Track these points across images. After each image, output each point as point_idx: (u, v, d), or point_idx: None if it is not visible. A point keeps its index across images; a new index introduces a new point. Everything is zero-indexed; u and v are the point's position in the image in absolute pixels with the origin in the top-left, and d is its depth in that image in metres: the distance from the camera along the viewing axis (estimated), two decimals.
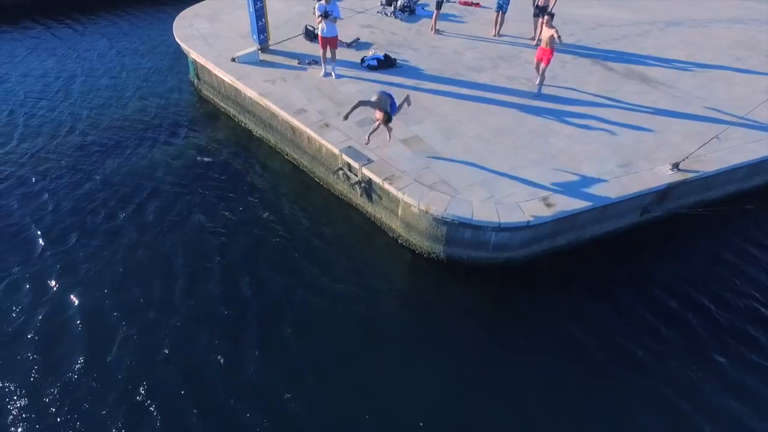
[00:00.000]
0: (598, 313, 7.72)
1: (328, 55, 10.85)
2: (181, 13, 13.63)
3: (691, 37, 14.58)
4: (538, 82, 10.94)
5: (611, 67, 12.44)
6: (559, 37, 9.99)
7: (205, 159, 10.43)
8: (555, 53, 10.68)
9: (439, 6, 13.24)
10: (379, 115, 8.20)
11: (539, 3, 12.86)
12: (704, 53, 13.53)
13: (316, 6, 10.25)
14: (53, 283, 7.57)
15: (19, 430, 5.89)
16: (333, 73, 11.00)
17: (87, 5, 17.69)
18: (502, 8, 13.23)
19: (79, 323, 7.03)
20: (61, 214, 8.84)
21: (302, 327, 7.17)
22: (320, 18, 10.17)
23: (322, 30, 10.35)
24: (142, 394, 6.25)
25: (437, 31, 13.58)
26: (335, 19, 10.34)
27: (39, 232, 8.42)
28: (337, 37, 10.72)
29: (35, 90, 12.57)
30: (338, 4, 14.61)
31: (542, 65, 10.61)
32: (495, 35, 13.61)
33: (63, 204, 9.06)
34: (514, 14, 14.91)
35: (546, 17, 10.39)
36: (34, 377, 6.38)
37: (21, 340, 6.78)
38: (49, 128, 11.12)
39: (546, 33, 10.26)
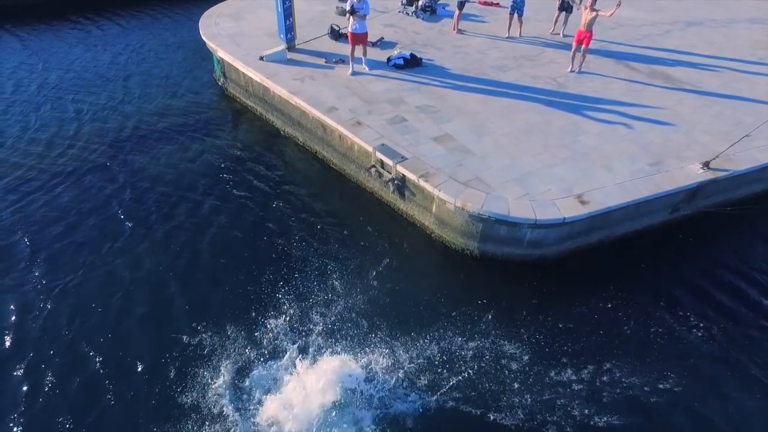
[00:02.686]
0: (629, 309, 7.77)
1: (359, 52, 10.99)
2: (206, 12, 13.76)
3: (712, 37, 14.64)
4: (578, 63, 11.72)
5: (634, 66, 12.51)
6: (617, 8, 10.57)
7: (233, 157, 10.53)
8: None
9: (461, 6, 13.31)
10: None
11: None
12: (725, 53, 13.59)
13: (347, 2, 10.37)
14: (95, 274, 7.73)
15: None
16: (365, 66, 11.22)
17: (104, 3, 17.87)
18: (517, 11, 13.10)
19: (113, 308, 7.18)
20: (90, 211, 8.93)
21: (333, 322, 7.24)
22: (349, 15, 10.29)
23: (353, 27, 10.49)
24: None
25: (459, 31, 13.66)
26: (364, 16, 10.48)
27: (75, 227, 8.57)
28: (366, 33, 10.89)
29: (55, 91, 12.65)
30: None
31: (583, 46, 11.35)
32: (508, 36, 13.57)
33: (90, 202, 9.13)
34: (534, 13, 15.05)
35: (590, 1, 10.86)
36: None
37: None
38: (75, 128, 11.22)
39: (589, 15, 10.88)
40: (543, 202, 7.83)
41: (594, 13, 10.86)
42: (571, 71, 11.72)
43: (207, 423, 5.99)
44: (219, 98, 12.75)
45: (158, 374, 6.47)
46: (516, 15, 13.25)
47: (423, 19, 14.44)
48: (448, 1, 15.70)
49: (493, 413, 6.30)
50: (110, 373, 6.47)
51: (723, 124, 10.19)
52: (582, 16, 11.22)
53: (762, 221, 9.50)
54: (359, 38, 10.69)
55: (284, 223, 8.85)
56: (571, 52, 11.73)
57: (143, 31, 16.33)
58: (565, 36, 13.61)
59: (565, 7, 13.20)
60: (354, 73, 11.10)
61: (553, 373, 6.81)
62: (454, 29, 13.67)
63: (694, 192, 8.78)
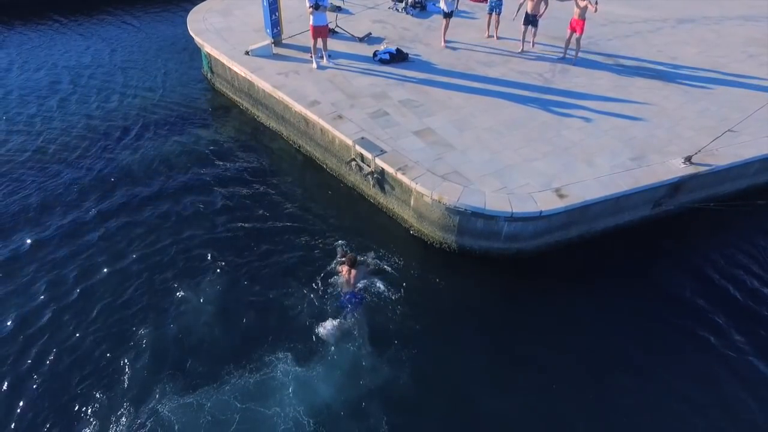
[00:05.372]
0: (607, 305, 7.76)
1: (320, 44, 11.04)
2: (194, 8, 13.77)
3: (704, 35, 14.54)
4: (574, 53, 12.05)
5: (623, 63, 12.44)
6: (596, 4, 11.00)
7: (218, 151, 10.54)
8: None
9: (448, 16, 12.18)
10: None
11: (528, 11, 11.93)
12: (716, 50, 13.50)
13: None
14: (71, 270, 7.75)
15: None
16: (326, 60, 11.21)
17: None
18: (495, 9, 12.57)
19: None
20: (76, 203, 8.98)
21: (310, 316, 7.20)
22: (311, 9, 10.28)
23: (313, 20, 10.49)
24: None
25: (447, 43, 12.57)
26: (325, 9, 10.57)
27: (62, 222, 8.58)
28: (327, 25, 10.99)
29: (44, 86, 12.68)
30: None
31: (576, 35, 11.58)
32: (488, 37, 13.09)
33: (77, 194, 9.17)
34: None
35: None
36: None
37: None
38: (62, 123, 11.23)
39: (581, 4, 11.11)
40: (521, 195, 7.79)
41: (585, 2, 11.07)
42: (563, 58, 12.20)
43: None
44: (207, 93, 12.75)
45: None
46: (494, 14, 12.69)
47: (413, 15, 14.40)
48: None
49: (458, 411, 6.28)
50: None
51: (708, 120, 10.11)
52: (575, 5, 11.31)
53: (746, 218, 9.39)
54: (321, 31, 10.73)
55: (265, 218, 8.83)
56: (566, 40, 11.97)
57: (133, 26, 16.34)
58: (528, 52, 12.54)
59: (530, 21, 12.05)
60: (320, 67, 11.07)
61: (521, 366, 6.82)
62: (442, 42, 12.49)
63: (676, 187, 8.71)
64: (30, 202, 8.94)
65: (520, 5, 12.30)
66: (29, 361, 6.50)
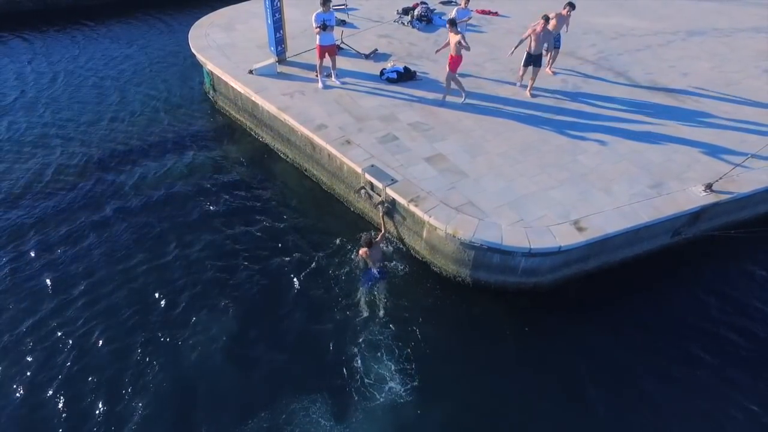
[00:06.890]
0: (626, 336, 7.50)
1: (328, 63, 10.77)
2: (196, 23, 13.44)
3: (715, 48, 14.27)
4: (445, 91, 10.51)
5: (635, 79, 12.15)
6: (465, 44, 9.51)
7: (221, 173, 10.24)
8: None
9: (452, 23, 10.23)
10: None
11: (531, 51, 10.62)
12: (729, 65, 13.23)
13: (314, 16, 10.03)
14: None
15: None
16: (334, 79, 10.95)
17: (97, 11, 17.58)
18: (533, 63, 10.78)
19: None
20: (77, 229, 8.71)
21: (319, 348, 7.03)
22: (318, 29, 10.00)
23: (321, 39, 10.24)
24: None
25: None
26: (332, 28, 10.31)
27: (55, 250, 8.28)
28: (335, 44, 10.72)
29: (39, 100, 12.39)
30: (352, 13, 14.54)
31: (450, 73, 10.07)
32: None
33: (77, 220, 8.90)
34: None
35: (448, 25, 9.90)
36: None
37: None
38: (58, 142, 10.94)
39: (452, 39, 9.73)
40: (538, 228, 7.50)
41: (457, 36, 9.57)
42: (444, 102, 10.51)
43: None
44: (209, 112, 12.43)
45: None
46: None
47: (418, 29, 14.11)
48: (444, 10, 15.39)
49: None
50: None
51: (726, 142, 9.82)
52: (449, 39, 9.92)
53: (765, 244, 9.14)
54: (328, 50, 10.46)
55: (270, 242, 8.57)
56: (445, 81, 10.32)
57: (134, 38, 15.99)
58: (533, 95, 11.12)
59: (532, 61, 10.71)
60: (326, 87, 10.79)
61: (540, 400, 6.60)
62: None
63: (697, 215, 8.44)
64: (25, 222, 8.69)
65: (521, 40, 10.69)
66: (25, 402, 6.21)
